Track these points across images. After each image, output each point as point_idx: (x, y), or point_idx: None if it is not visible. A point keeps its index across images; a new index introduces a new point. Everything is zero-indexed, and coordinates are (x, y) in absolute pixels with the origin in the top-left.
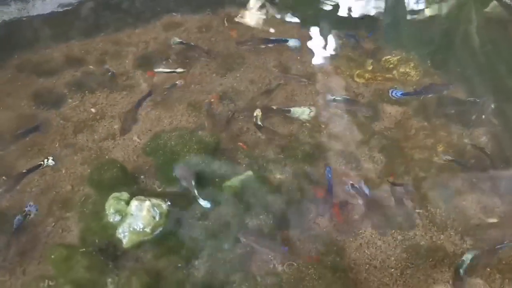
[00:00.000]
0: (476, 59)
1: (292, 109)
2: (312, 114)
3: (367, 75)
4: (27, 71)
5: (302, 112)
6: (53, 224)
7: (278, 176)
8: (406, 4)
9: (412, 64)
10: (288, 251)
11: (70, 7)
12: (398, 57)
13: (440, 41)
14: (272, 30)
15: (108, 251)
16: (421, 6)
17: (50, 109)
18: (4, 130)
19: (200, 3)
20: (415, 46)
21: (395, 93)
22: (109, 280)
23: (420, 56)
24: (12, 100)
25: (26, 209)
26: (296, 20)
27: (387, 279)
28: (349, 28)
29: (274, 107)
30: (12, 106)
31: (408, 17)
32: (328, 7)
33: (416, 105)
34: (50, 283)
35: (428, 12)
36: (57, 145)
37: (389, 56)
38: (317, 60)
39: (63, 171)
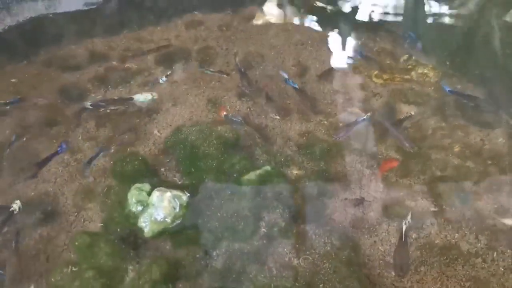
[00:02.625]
0: (495, 63)
1: (134, 96)
2: (155, 97)
3: (385, 76)
4: (53, 66)
5: (145, 98)
6: (76, 214)
7: (295, 171)
8: (426, 8)
9: (430, 66)
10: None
11: (95, 5)
12: (416, 58)
13: (459, 44)
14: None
15: (130, 240)
16: (441, 10)
17: (74, 103)
18: (31, 122)
19: (221, 2)
20: (434, 48)
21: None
22: (130, 267)
23: (438, 58)
24: (38, 93)
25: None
26: (315, 21)
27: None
28: (367, 29)
29: (116, 97)
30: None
31: (428, 20)
32: (347, 9)
33: (434, 105)
34: (74, 268)
35: (448, 16)
36: (80, 137)
37: (406, 57)
38: (336, 60)
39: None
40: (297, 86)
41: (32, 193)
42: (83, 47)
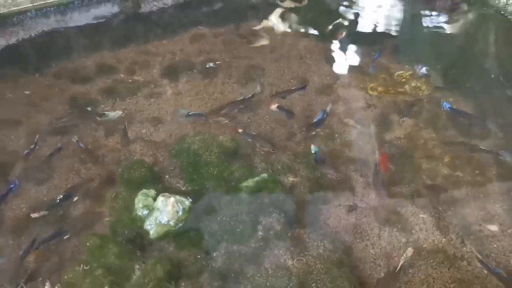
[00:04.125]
0: (486, 76)
1: (106, 112)
2: (121, 115)
3: (380, 88)
4: (63, 78)
5: (114, 115)
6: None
7: (291, 179)
8: (421, 22)
9: (423, 79)
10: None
11: (104, 19)
12: (411, 72)
13: (453, 58)
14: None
15: (136, 241)
16: (437, 25)
17: (84, 113)
18: (41, 132)
19: (225, 17)
20: (428, 62)
21: (445, 105)
22: (137, 266)
23: (432, 72)
24: (50, 104)
25: None
26: (315, 33)
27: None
28: (365, 43)
29: (89, 108)
30: (49, 109)
31: (423, 34)
32: (346, 23)
33: (426, 117)
34: (85, 267)
35: (444, 30)
36: (89, 146)
37: (402, 71)
38: (333, 73)
39: (94, 170)
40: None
41: (44, 198)
42: (92, 60)
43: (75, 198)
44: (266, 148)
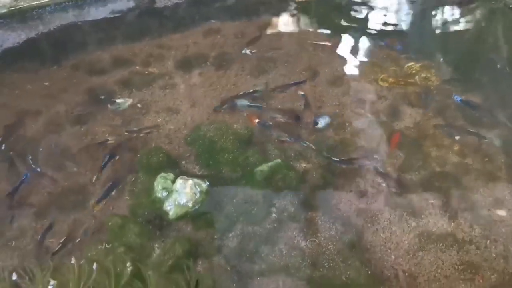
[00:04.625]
0: (495, 69)
1: (117, 100)
2: (128, 103)
3: (390, 80)
4: (81, 70)
5: (124, 102)
6: (104, 202)
7: (303, 165)
8: (431, 15)
9: (433, 71)
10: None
11: (120, 14)
12: (421, 63)
13: (462, 51)
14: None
15: (155, 222)
16: (446, 17)
17: (101, 104)
18: (62, 121)
19: (237, 11)
20: (438, 54)
21: (456, 98)
22: (156, 245)
23: (442, 63)
24: (68, 96)
25: None
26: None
27: (400, 259)
28: (375, 36)
29: (102, 96)
30: (68, 100)
31: (433, 27)
32: (357, 18)
33: (436, 107)
34: (107, 245)
35: (453, 24)
36: (107, 135)
37: (412, 63)
38: (344, 65)
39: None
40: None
41: (66, 183)
42: (109, 53)
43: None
44: (284, 138)
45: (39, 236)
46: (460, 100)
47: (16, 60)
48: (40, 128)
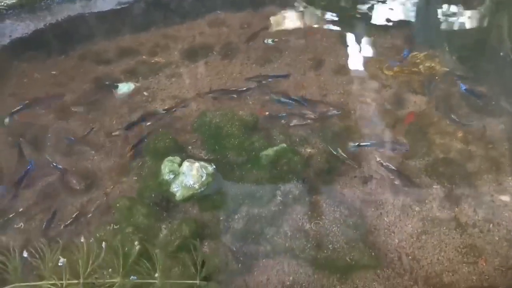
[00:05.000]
0: (499, 57)
1: (119, 84)
2: (134, 87)
3: (395, 68)
4: (88, 60)
5: (128, 87)
6: (112, 187)
7: (308, 150)
8: (437, 5)
9: (437, 60)
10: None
11: (127, 5)
12: (425, 53)
13: (467, 41)
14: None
15: (162, 204)
16: (452, 10)
17: (108, 92)
18: (70, 109)
19: (243, 2)
20: (442, 43)
21: (462, 86)
22: (163, 226)
23: (446, 53)
24: (76, 84)
25: None
26: (333, 17)
27: (404, 243)
28: (380, 25)
29: (107, 82)
30: (76, 89)
31: (438, 16)
32: (362, 7)
33: (440, 95)
34: (115, 226)
35: (458, 15)
36: (114, 122)
37: (416, 52)
38: (349, 54)
39: (119, 144)
40: None
41: (73, 169)
42: (115, 43)
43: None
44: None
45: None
46: (465, 89)
47: (25, 50)
48: (48, 115)
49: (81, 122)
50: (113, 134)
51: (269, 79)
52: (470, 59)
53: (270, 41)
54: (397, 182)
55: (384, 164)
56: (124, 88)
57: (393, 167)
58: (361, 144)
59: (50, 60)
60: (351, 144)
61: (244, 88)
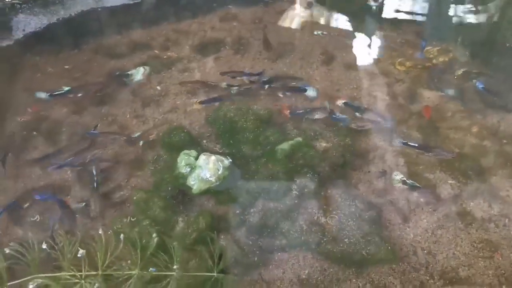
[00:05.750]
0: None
1: (129, 72)
2: (146, 72)
3: (407, 63)
4: (101, 54)
5: (138, 72)
6: (126, 180)
7: (323, 144)
8: (448, 0)
9: (451, 55)
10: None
11: (139, 0)
12: (439, 48)
13: (479, 36)
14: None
15: (178, 198)
16: (464, 3)
17: (121, 86)
18: (83, 103)
19: None
20: (455, 38)
21: (478, 84)
22: (180, 219)
23: (459, 47)
24: (89, 78)
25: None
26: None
27: (419, 237)
28: (393, 20)
29: (118, 73)
30: (89, 82)
31: (451, 10)
32: (375, 4)
33: (454, 90)
34: (132, 219)
35: (470, 11)
36: (127, 116)
37: (430, 47)
38: (361, 49)
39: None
40: None
41: (87, 161)
42: (128, 37)
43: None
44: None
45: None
46: (483, 87)
47: (38, 44)
48: (62, 109)
49: (94, 116)
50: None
51: (244, 77)
52: (482, 54)
53: (320, 33)
54: (422, 200)
55: (408, 181)
56: (138, 74)
57: (417, 184)
58: (410, 143)
59: (63, 54)
60: (398, 140)
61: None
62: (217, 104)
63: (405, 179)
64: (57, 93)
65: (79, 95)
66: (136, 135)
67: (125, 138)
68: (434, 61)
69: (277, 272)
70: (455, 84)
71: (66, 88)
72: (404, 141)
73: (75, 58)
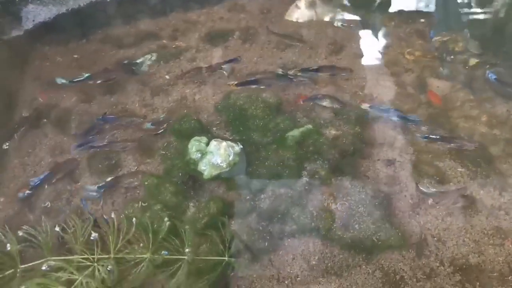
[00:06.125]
0: None
1: (138, 61)
2: (153, 58)
3: (417, 53)
4: (109, 44)
5: (146, 59)
6: (136, 167)
7: (333, 132)
8: None
9: (461, 44)
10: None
11: None
12: (448, 37)
13: (490, 25)
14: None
15: (189, 183)
16: None
17: (130, 75)
18: (92, 92)
19: None
20: (465, 27)
21: (491, 76)
22: (191, 204)
23: (469, 37)
24: (98, 67)
25: None
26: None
27: (429, 224)
28: (401, 10)
29: (125, 61)
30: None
31: (461, 1)
32: None
33: (464, 80)
34: (143, 204)
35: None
36: (137, 105)
37: (439, 37)
38: (371, 38)
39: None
40: None
41: (98, 149)
42: (136, 27)
43: None
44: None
45: None
46: (495, 78)
47: (47, 34)
48: (71, 98)
49: (103, 105)
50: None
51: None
52: (492, 44)
53: (340, 24)
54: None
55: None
56: (146, 62)
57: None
58: (431, 136)
59: (72, 44)
60: (419, 135)
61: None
62: (253, 87)
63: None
64: (77, 79)
65: (98, 82)
66: (161, 117)
67: (141, 120)
68: (443, 50)
69: (287, 258)
70: (465, 73)
71: (86, 75)
72: (425, 135)
73: (83, 48)
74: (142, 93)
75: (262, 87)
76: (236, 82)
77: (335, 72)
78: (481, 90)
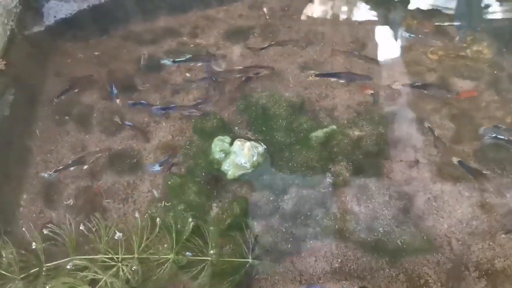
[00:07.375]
0: None
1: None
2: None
3: (440, 52)
4: (130, 40)
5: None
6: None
7: (356, 132)
8: None
9: (485, 43)
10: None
11: None
12: (472, 36)
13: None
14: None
15: (212, 183)
16: None
17: (151, 72)
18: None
19: None
20: (489, 27)
21: None
22: (214, 204)
23: (493, 36)
24: (119, 64)
25: None
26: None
27: (453, 228)
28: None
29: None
30: (119, 68)
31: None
32: None
33: (488, 80)
34: (166, 204)
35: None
36: (157, 103)
37: (465, 36)
38: (393, 37)
39: (163, 124)
40: None
41: (119, 147)
42: (157, 24)
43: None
44: None
45: None
46: None
47: (68, 30)
48: (93, 94)
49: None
50: None
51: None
52: None
53: (361, 22)
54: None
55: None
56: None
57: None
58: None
59: (93, 41)
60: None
61: None
62: (332, 79)
63: None
64: (179, 59)
65: (199, 64)
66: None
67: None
68: (467, 50)
69: (309, 260)
70: (489, 73)
71: (187, 56)
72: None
73: (104, 44)
74: (162, 90)
75: (341, 81)
76: (316, 73)
77: (354, 78)
78: (506, 91)
